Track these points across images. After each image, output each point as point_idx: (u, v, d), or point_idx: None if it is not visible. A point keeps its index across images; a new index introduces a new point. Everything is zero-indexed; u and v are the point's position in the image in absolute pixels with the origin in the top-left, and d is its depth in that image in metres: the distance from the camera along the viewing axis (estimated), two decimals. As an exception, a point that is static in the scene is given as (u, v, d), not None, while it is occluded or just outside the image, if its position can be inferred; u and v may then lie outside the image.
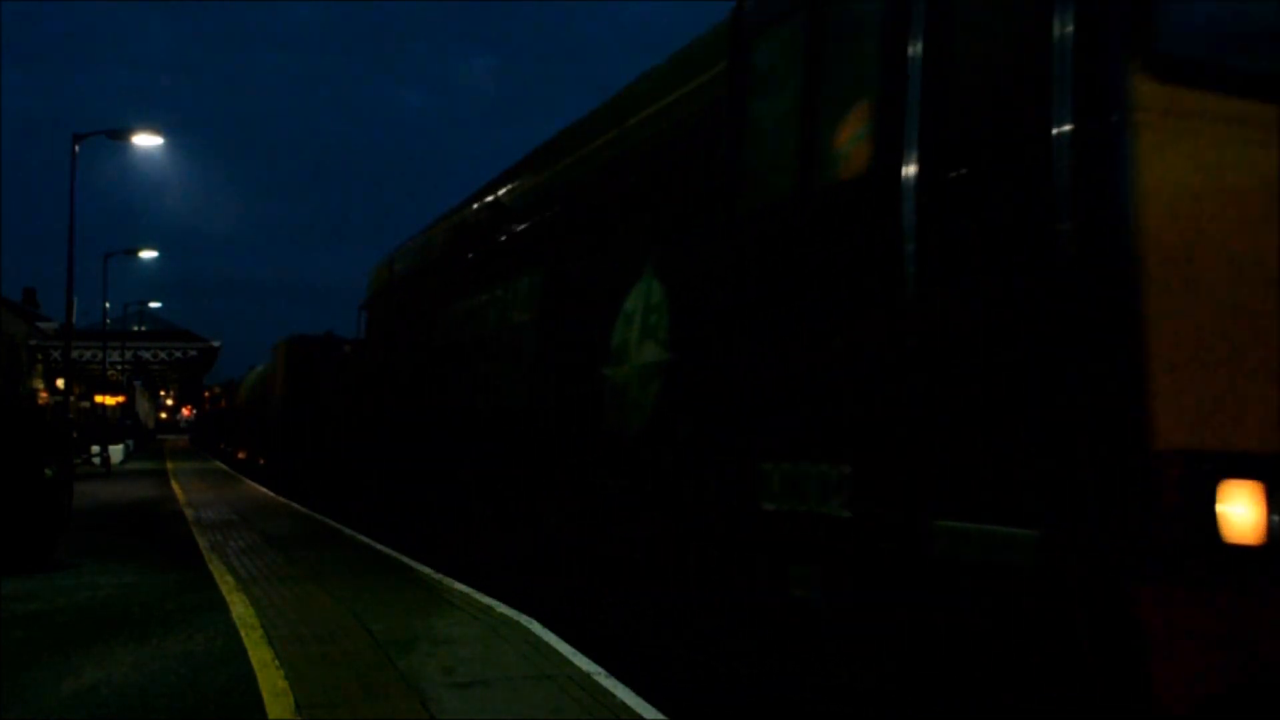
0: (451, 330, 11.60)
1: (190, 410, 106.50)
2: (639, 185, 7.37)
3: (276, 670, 6.10)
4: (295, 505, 19.54)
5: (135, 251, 36.64)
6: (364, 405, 16.09)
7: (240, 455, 37.19)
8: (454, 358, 11.36)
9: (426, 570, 10.30)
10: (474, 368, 10.64)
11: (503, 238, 10.25)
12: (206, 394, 72.38)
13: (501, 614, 7.83)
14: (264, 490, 24.11)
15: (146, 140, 22.64)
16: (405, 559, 11.26)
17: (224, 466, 37.68)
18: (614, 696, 5.52)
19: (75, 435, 26.57)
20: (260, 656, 6.46)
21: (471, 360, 10.73)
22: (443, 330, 11.93)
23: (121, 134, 22.33)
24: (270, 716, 5.20)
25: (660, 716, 5.22)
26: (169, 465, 37.77)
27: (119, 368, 55.54)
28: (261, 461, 30.29)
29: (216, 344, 63.42)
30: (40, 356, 45.75)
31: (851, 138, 4.77)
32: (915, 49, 4.33)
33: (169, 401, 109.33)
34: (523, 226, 9.76)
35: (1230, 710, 3.33)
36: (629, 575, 6.90)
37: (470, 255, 11.31)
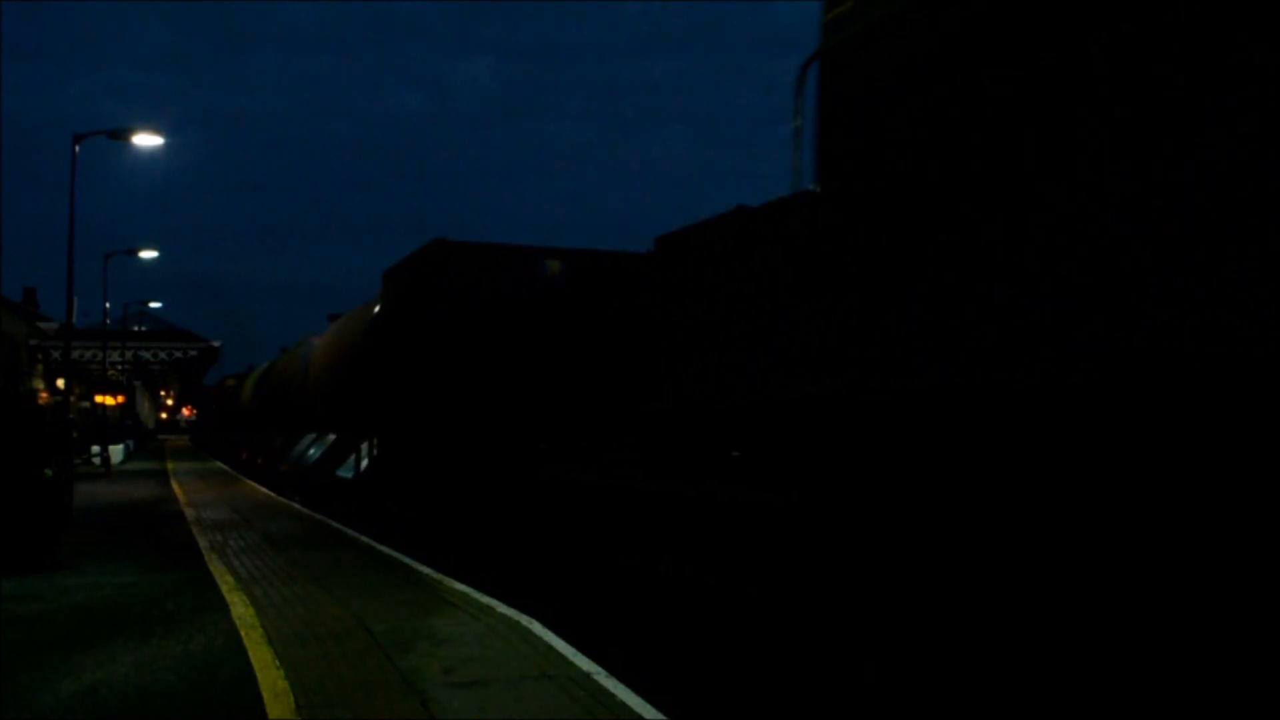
0: None
1: (190, 410, 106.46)
2: None
3: (276, 670, 6.10)
4: (295, 505, 19.52)
5: (135, 251, 36.54)
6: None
7: (285, 468, 25.84)
8: None
9: (427, 570, 10.29)
10: None
11: None
12: (215, 391, 64.83)
13: (502, 614, 7.83)
14: (264, 490, 24.10)
15: (146, 140, 22.60)
16: (405, 559, 11.26)
17: (224, 466, 37.66)
18: (614, 696, 5.52)
19: (75, 435, 26.54)
20: (260, 656, 6.46)
21: None
22: None
23: (121, 134, 22.28)
24: (270, 716, 5.20)
25: (660, 716, 5.22)
26: (169, 465, 37.77)
27: (119, 368, 55.53)
28: (359, 477, 16.69)
29: (216, 344, 63.44)
30: (40, 356, 45.74)
31: None
32: None
33: (169, 401, 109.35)
34: None
35: None
36: None
37: None
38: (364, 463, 16.22)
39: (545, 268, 12.11)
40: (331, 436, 19.94)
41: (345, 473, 17.67)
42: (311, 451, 22.38)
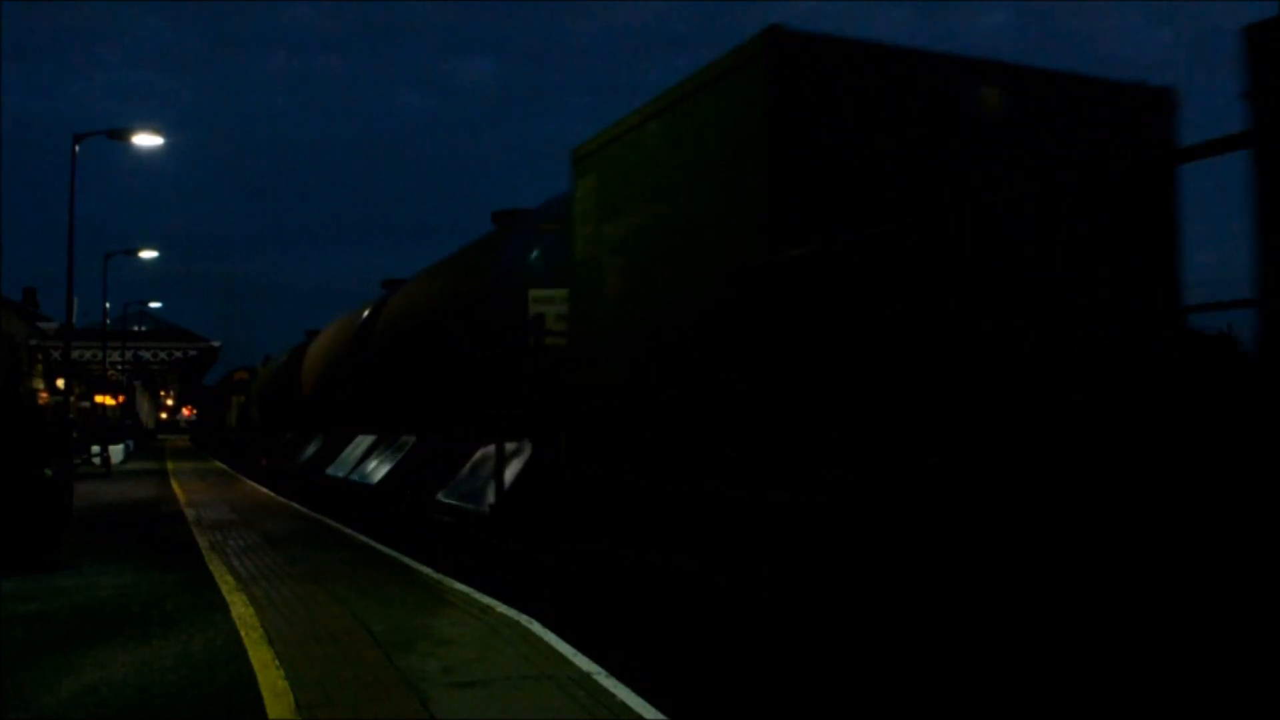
0: None
1: (190, 410, 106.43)
2: None
3: (276, 670, 6.10)
4: (295, 505, 19.52)
5: (135, 251, 36.61)
6: None
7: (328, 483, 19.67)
8: None
9: (426, 570, 10.29)
10: None
11: None
12: (215, 391, 61.35)
13: (501, 614, 7.83)
14: (263, 490, 24.09)
15: (147, 140, 22.59)
16: (405, 559, 11.25)
17: (223, 466, 37.66)
18: (614, 696, 5.52)
19: (75, 435, 26.52)
20: (260, 656, 6.46)
21: None
22: None
23: (121, 134, 22.27)
24: (270, 716, 5.20)
25: (660, 716, 5.22)
26: (169, 465, 37.77)
27: (119, 368, 55.53)
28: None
29: (216, 344, 63.46)
30: (40, 356, 45.72)
31: None
32: None
33: (169, 401, 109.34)
34: None
35: None
36: None
37: None
38: (507, 479, 9.90)
39: (974, 96, 6.78)
40: (410, 439, 14.47)
41: (452, 498, 11.55)
42: (372, 464, 16.43)
